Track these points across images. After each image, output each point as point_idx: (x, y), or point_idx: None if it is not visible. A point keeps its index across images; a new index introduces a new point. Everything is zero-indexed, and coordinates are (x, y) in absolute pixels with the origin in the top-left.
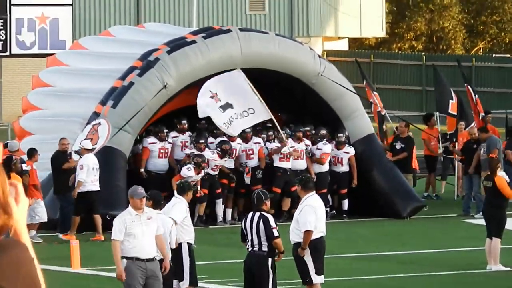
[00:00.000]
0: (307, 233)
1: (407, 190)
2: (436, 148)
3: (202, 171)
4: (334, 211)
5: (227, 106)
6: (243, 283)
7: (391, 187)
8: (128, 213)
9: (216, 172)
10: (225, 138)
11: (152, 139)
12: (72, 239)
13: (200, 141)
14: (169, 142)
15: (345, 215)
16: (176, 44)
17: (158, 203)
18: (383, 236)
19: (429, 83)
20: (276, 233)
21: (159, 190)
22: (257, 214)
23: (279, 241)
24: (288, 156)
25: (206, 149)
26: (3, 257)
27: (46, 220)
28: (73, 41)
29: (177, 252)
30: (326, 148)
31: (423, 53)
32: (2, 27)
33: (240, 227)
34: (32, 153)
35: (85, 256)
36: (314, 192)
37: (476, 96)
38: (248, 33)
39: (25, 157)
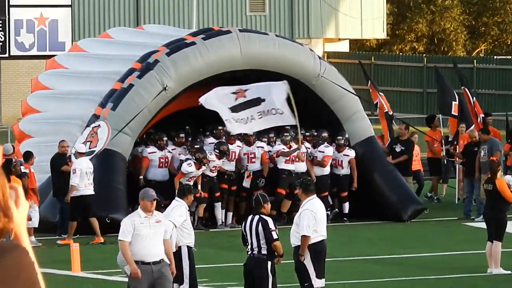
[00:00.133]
0: (304, 238)
1: (407, 193)
2: (439, 150)
3: (203, 166)
4: (337, 209)
5: (254, 103)
6: (243, 287)
7: (391, 189)
8: (137, 214)
9: (215, 174)
10: (223, 140)
11: (151, 148)
12: (70, 244)
13: (195, 146)
14: (169, 151)
15: (345, 218)
16: (176, 46)
17: (158, 206)
18: (384, 239)
19: (430, 85)
20: (275, 236)
21: None
22: (256, 217)
23: (278, 243)
24: (294, 158)
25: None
26: (3, 260)
27: (37, 225)
28: (72, 43)
29: (177, 255)
30: (328, 150)
31: (424, 55)
32: (1, 29)
33: (241, 230)
34: (28, 156)
35: (85, 260)
36: (315, 195)
37: (474, 98)
38: (248, 34)
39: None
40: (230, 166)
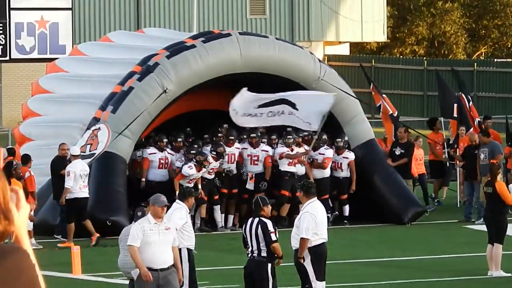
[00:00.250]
0: (303, 240)
1: (407, 196)
2: (441, 153)
3: (204, 168)
4: (337, 212)
5: (289, 103)
6: None
7: (392, 192)
8: (147, 220)
9: (213, 176)
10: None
11: (151, 149)
12: (70, 246)
13: (192, 152)
14: (169, 152)
15: (346, 221)
16: (176, 49)
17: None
18: (384, 242)
19: (431, 88)
20: (274, 238)
21: None
22: (256, 219)
23: (276, 245)
24: (296, 161)
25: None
26: (4, 263)
27: (31, 229)
28: (73, 46)
29: None
30: (328, 152)
31: (424, 58)
32: (1, 32)
33: (241, 233)
34: (26, 159)
35: (86, 262)
36: (316, 198)
37: (471, 103)
38: (248, 37)
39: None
40: (231, 169)
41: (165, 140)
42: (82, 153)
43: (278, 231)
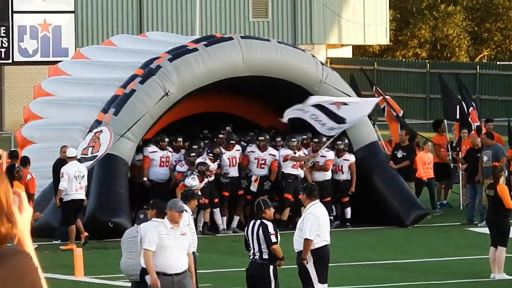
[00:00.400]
0: (306, 241)
1: (410, 198)
2: (446, 155)
3: (206, 179)
4: (339, 222)
5: (336, 119)
6: None
7: (394, 195)
8: (163, 225)
9: (212, 178)
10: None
11: (152, 147)
12: (73, 248)
13: (192, 154)
14: (170, 151)
15: (348, 224)
16: (178, 52)
17: (161, 212)
18: (386, 245)
19: (433, 91)
20: (273, 239)
21: (160, 198)
22: (258, 222)
23: (276, 247)
24: (299, 164)
25: (198, 157)
26: (7, 265)
27: None
28: (75, 49)
29: None
30: (329, 155)
31: (427, 61)
32: (4, 35)
33: (244, 235)
34: (25, 161)
35: (88, 265)
36: (318, 200)
37: (471, 109)
38: (249, 40)
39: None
40: (232, 172)
41: (166, 139)
42: (84, 156)
43: (279, 233)
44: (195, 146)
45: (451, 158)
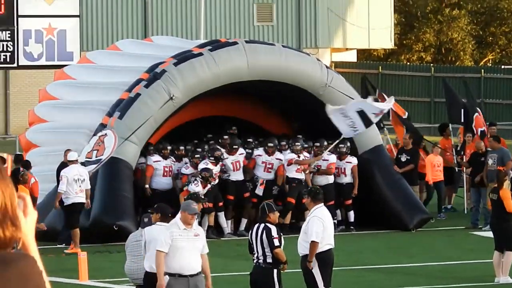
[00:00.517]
0: (313, 244)
1: (413, 202)
2: (452, 159)
3: (209, 185)
4: (344, 226)
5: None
6: None
7: (397, 198)
8: (176, 226)
9: (216, 182)
10: (217, 147)
11: (156, 157)
12: (77, 252)
13: (196, 156)
14: (173, 160)
15: (352, 227)
16: (183, 57)
17: (166, 216)
18: (390, 248)
19: (438, 95)
20: (276, 243)
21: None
22: (262, 225)
23: (279, 250)
24: (304, 168)
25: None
26: (11, 270)
27: None
28: (80, 53)
29: None
30: (331, 158)
31: (431, 65)
32: (9, 39)
33: (248, 239)
34: (26, 165)
35: (93, 268)
36: (323, 204)
37: (475, 115)
38: (254, 45)
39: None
40: (237, 176)
41: (169, 147)
42: (89, 159)
43: (283, 237)
44: (199, 149)
45: (456, 162)
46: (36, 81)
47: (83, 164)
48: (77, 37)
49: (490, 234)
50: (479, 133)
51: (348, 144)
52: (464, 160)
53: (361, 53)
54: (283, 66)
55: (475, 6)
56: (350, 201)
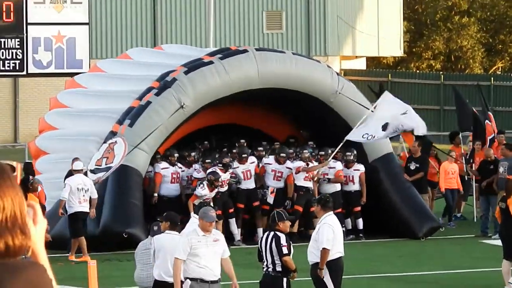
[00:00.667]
0: (324, 251)
1: (423, 210)
2: (462, 167)
3: (215, 189)
4: (353, 236)
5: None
6: None
7: (407, 207)
8: (195, 232)
9: (226, 188)
10: (227, 155)
11: (164, 164)
12: (87, 260)
13: (207, 161)
14: (179, 167)
15: (361, 235)
16: (193, 65)
17: (175, 225)
18: (400, 257)
19: (447, 102)
20: (285, 251)
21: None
22: (271, 233)
23: (288, 258)
24: (313, 176)
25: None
26: (21, 278)
27: None
28: (90, 61)
29: None
30: (338, 165)
31: (441, 72)
32: (19, 46)
33: (257, 247)
34: (33, 173)
35: (102, 276)
36: (332, 212)
37: (486, 121)
38: (264, 53)
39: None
40: (247, 184)
41: (176, 154)
42: (98, 167)
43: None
44: (210, 156)
45: (465, 171)
46: (45, 89)
47: (92, 171)
48: (87, 45)
49: (499, 242)
50: (488, 140)
51: (355, 152)
52: (473, 168)
53: (371, 61)
54: (294, 73)
55: (485, 14)
56: (359, 208)
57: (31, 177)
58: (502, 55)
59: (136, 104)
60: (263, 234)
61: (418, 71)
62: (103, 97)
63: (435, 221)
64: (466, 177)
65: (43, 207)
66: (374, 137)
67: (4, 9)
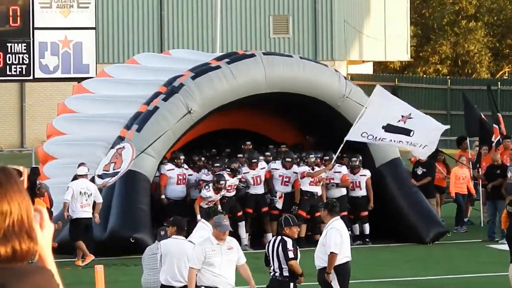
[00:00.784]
0: (332, 255)
1: (430, 215)
2: (469, 172)
3: (222, 191)
4: (360, 241)
5: (404, 132)
6: None
7: (414, 212)
8: (209, 241)
9: (233, 193)
10: (235, 160)
11: (169, 165)
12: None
13: (216, 165)
14: (186, 168)
15: (367, 240)
16: (201, 70)
17: (181, 229)
18: (407, 261)
19: (454, 107)
20: (291, 255)
21: (178, 215)
22: (278, 238)
23: (293, 262)
24: (318, 180)
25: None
26: (28, 283)
27: None
28: (96, 66)
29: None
30: (343, 169)
31: (448, 77)
32: (25, 51)
33: (265, 251)
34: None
35: (109, 281)
36: (339, 216)
37: (494, 125)
38: (272, 57)
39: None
40: (257, 190)
41: (182, 157)
42: (106, 172)
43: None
44: (219, 161)
45: (472, 176)
46: (52, 94)
47: (100, 177)
48: (93, 50)
49: (506, 247)
50: (494, 144)
51: (360, 157)
52: (480, 173)
53: (377, 65)
54: (301, 77)
55: (492, 18)
56: (366, 213)
57: (38, 181)
58: (509, 60)
59: (144, 109)
60: (271, 239)
61: (425, 76)
62: (111, 102)
63: (442, 226)
64: (472, 181)
65: (50, 212)
66: (376, 138)
67: (10, 14)
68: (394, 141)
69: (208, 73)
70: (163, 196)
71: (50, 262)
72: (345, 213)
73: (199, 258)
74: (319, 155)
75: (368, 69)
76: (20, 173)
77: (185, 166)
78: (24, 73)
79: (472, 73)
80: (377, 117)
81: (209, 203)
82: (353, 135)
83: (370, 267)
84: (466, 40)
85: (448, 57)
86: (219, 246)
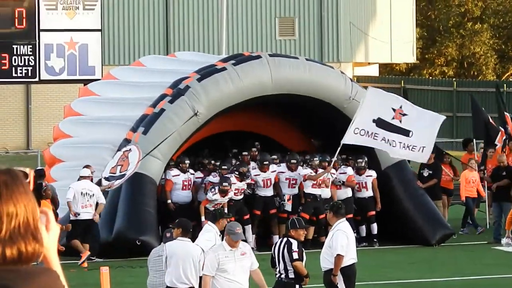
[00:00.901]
0: (338, 257)
1: (436, 218)
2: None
3: (228, 193)
4: (366, 243)
5: (402, 132)
6: None
7: (420, 214)
8: (222, 247)
9: (240, 197)
10: (244, 163)
11: (175, 171)
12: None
13: (223, 167)
14: (191, 173)
15: (375, 240)
16: (206, 72)
17: (187, 231)
18: (413, 263)
19: (460, 109)
20: (295, 256)
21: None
22: (284, 240)
23: (298, 263)
24: (320, 183)
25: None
26: (34, 284)
27: None
28: (102, 67)
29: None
30: (348, 170)
31: (454, 79)
32: (31, 53)
33: (270, 254)
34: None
35: (115, 283)
36: (345, 218)
37: (500, 128)
38: (278, 58)
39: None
40: (266, 192)
41: (187, 161)
42: (113, 174)
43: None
44: (228, 164)
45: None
46: (58, 96)
47: (107, 179)
48: (99, 52)
49: None
50: (501, 145)
51: (366, 158)
52: (485, 175)
53: (383, 67)
54: (307, 79)
55: (498, 20)
56: (373, 213)
57: (44, 183)
58: None
59: (150, 112)
60: (277, 241)
61: (431, 78)
62: (117, 105)
63: (448, 228)
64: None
65: (55, 214)
66: (368, 133)
67: (16, 16)
68: (388, 140)
69: (214, 75)
70: (169, 201)
71: (56, 263)
72: (350, 215)
73: (212, 265)
74: (327, 159)
75: (374, 71)
76: (26, 175)
77: (191, 171)
78: (30, 75)
79: (478, 75)
80: (367, 112)
81: (215, 206)
82: (348, 138)
83: (375, 269)
84: (472, 42)
85: (454, 59)
86: (232, 252)
